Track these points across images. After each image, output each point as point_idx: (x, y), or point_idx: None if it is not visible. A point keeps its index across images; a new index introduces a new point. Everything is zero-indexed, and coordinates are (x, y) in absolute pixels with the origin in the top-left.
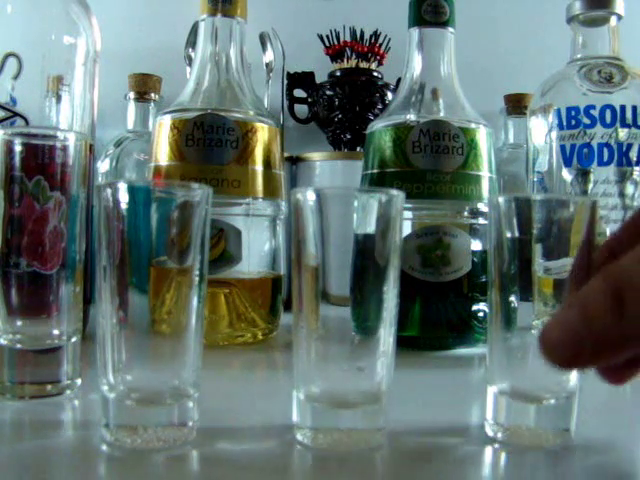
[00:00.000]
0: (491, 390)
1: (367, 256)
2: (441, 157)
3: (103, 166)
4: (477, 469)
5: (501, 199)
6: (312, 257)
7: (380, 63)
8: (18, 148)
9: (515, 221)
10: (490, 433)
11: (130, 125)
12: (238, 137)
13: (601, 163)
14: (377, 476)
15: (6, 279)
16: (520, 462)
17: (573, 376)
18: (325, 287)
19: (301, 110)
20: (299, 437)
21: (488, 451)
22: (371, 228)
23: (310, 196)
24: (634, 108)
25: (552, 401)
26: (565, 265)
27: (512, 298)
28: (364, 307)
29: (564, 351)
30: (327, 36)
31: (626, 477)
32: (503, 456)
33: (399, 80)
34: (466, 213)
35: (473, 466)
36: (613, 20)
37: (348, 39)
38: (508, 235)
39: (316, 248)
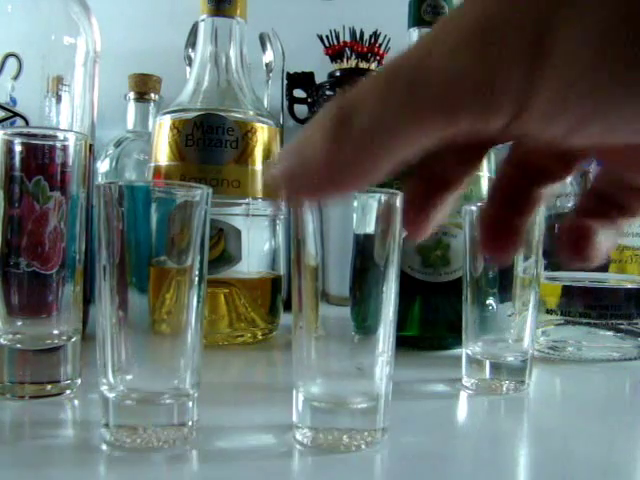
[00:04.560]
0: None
1: (367, 256)
2: None
3: (103, 166)
4: (464, 466)
5: (474, 207)
6: (312, 257)
7: (380, 63)
8: (18, 148)
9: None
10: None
11: (130, 125)
12: (238, 137)
13: (600, 163)
14: (377, 476)
15: (6, 279)
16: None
17: (526, 342)
18: (325, 287)
19: (301, 110)
20: (298, 437)
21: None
22: (371, 228)
23: None
24: None
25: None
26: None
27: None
28: (364, 307)
29: (294, 177)
30: (327, 36)
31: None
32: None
33: None
34: None
35: (471, 465)
36: None
37: (348, 39)
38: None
39: (316, 248)
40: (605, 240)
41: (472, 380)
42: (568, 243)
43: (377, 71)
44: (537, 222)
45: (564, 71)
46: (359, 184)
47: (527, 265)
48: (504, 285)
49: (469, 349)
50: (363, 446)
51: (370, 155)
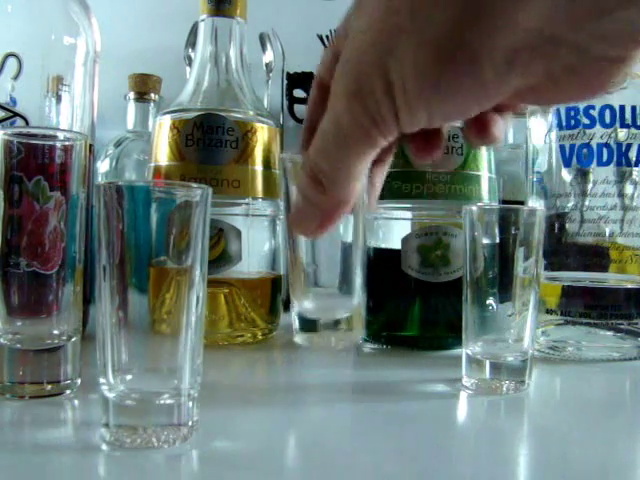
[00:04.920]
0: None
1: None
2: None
3: (103, 166)
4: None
5: (474, 207)
6: (304, 262)
7: None
8: (18, 148)
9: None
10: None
11: (130, 125)
12: (238, 137)
13: (600, 163)
14: (371, 478)
15: (6, 279)
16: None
17: (526, 342)
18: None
19: (301, 110)
20: (297, 339)
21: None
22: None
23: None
24: (633, 108)
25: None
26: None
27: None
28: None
29: (304, 224)
30: (327, 36)
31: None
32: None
33: None
34: None
35: (471, 465)
36: None
37: None
38: (484, 241)
39: (307, 253)
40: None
41: (472, 380)
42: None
43: (320, 131)
44: (537, 222)
45: (405, 96)
46: (349, 199)
47: (527, 265)
48: (504, 285)
49: (469, 349)
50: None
51: (343, 187)
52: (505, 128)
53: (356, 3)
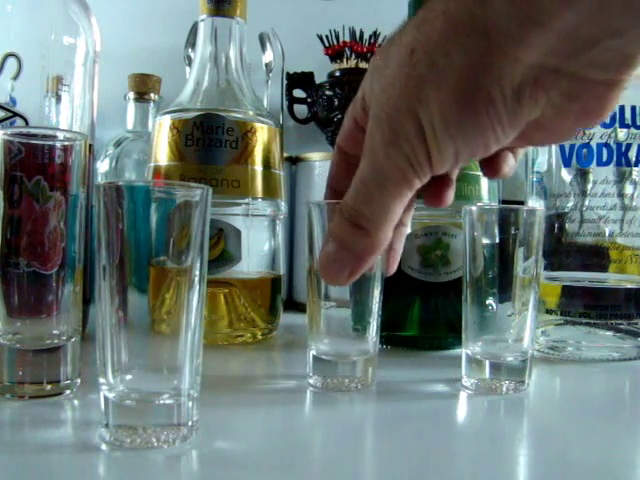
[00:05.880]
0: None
1: None
2: None
3: (103, 166)
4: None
5: (474, 207)
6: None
7: None
8: (18, 148)
9: (486, 227)
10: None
11: (130, 125)
12: (237, 137)
13: (600, 163)
14: (373, 478)
15: (6, 279)
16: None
17: (526, 342)
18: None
19: (301, 110)
20: (311, 381)
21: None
22: None
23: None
24: (633, 108)
25: (510, 359)
26: (529, 266)
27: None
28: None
29: (337, 271)
30: (327, 36)
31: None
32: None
33: None
34: None
35: (470, 465)
36: None
37: (347, 39)
38: (484, 241)
39: None
40: (510, 158)
41: (472, 380)
42: (487, 166)
43: (359, 180)
44: (537, 222)
45: (435, 137)
46: (386, 243)
47: (527, 265)
48: (504, 285)
49: (469, 349)
50: (360, 386)
51: (382, 228)
52: (515, 165)
53: (372, 69)
